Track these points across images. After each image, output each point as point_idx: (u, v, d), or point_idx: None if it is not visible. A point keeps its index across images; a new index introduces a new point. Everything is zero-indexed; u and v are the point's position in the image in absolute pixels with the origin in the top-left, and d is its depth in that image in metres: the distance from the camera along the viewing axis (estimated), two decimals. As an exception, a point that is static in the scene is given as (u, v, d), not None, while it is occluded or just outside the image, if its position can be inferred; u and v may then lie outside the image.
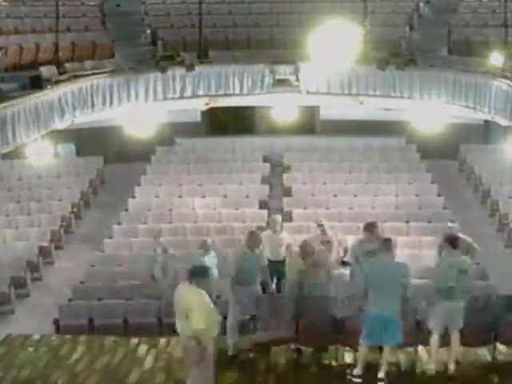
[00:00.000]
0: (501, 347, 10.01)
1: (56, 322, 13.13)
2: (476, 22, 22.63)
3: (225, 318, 9.82)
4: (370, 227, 11.24)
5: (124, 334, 11.80)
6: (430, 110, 18.34)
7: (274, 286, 12.12)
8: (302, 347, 10.10)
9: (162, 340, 10.94)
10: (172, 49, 20.86)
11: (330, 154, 21.72)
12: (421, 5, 23.79)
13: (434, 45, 21.39)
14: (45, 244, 17.08)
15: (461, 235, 11.10)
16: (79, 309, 13.42)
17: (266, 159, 21.89)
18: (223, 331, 9.63)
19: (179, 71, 18.90)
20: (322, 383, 9.66)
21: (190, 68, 18.90)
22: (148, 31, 22.73)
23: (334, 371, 9.82)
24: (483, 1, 23.55)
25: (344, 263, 12.32)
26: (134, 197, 19.46)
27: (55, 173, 21.08)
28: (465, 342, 9.54)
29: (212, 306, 8.27)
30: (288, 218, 17.98)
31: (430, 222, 17.50)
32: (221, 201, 18.96)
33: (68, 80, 17.39)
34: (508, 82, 16.12)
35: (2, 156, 19.05)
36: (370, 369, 9.43)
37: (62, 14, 20.21)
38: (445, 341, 9.43)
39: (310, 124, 23.83)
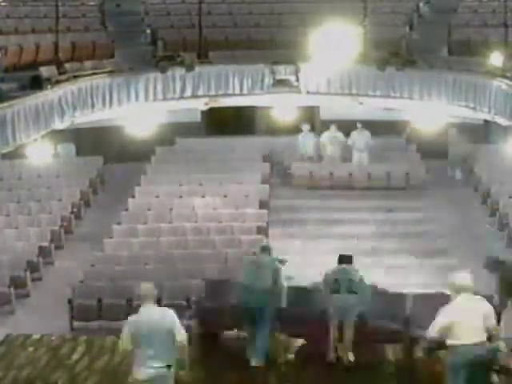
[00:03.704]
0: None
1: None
2: (476, 22, 22.64)
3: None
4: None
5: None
6: (430, 110, 18.35)
7: None
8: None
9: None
10: (172, 49, 20.87)
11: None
12: (421, 5, 23.78)
13: (434, 45, 21.38)
14: (45, 244, 17.08)
15: None
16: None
17: (265, 159, 21.89)
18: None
19: (179, 71, 18.90)
20: (321, 383, 9.68)
21: (190, 68, 18.91)
22: (148, 31, 22.73)
23: (333, 370, 9.84)
24: (483, 1, 23.55)
25: None
26: (133, 197, 19.47)
27: (55, 173, 21.07)
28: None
29: None
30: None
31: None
32: (221, 201, 18.96)
33: (68, 80, 17.38)
34: (508, 81, 16.12)
35: (2, 156, 19.04)
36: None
37: (61, 13, 20.20)
38: None
39: (310, 124, 23.80)
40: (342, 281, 10.05)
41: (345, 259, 10.35)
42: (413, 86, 18.48)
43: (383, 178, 20.16)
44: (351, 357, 9.92)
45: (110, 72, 18.48)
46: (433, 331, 7.45)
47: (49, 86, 16.52)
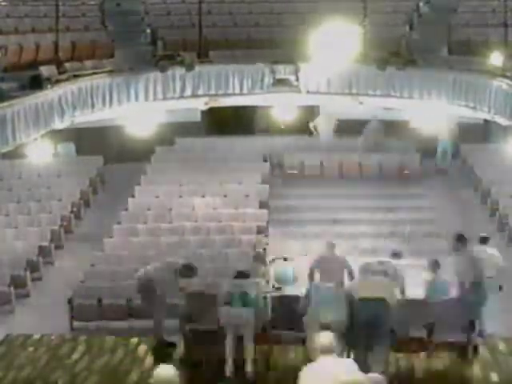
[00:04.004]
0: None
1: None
2: (476, 22, 22.62)
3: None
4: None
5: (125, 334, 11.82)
6: (430, 109, 18.35)
7: None
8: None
9: (162, 340, 10.93)
10: (172, 48, 20.86)
11: (330, 153, 21.72)
12: (421, 4, 23.76)
13: (434, 45, 21.37)
14: (45, 244, 17.09)
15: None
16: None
17: (265, 159, 21.88)
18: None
19: (179, 71, 18.90)
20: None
21: (190, 68, 18.90)
22: (148, 31, 22.71)
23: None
24: (483, 1, 23.53)
25: None
26: (133, 196, 19.47)
27: (55, 172, 21.08)
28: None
29: None
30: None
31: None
32: (221, 201, 18.96)
33: (68, 80, 17.37)
34: (508, 81, 16.11)
35: (2, 156, 19.03)
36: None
37: (61, 13, 20.18)
38: None
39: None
40: (234, 294, 10.08)
41: (240, 275, 10.55)
42: (413, 86, 18.47)
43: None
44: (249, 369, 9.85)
45: (110, 72, 18.47)
46: None
47: (49, 86, 16.50)
